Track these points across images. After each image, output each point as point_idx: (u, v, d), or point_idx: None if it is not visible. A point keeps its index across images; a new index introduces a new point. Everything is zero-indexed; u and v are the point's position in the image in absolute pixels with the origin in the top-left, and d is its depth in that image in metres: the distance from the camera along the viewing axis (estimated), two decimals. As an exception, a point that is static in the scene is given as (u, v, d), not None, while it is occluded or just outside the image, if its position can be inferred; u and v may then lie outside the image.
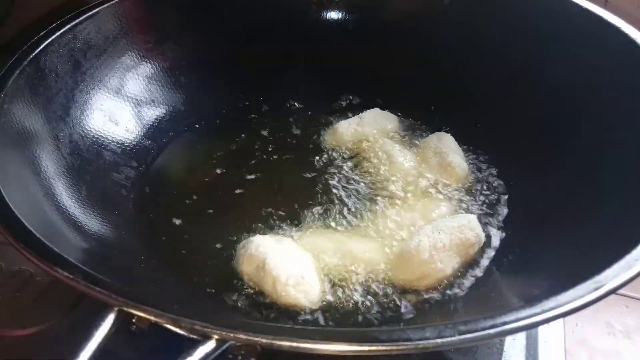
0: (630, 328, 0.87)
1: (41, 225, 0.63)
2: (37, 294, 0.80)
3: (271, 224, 0.83)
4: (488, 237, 0.81)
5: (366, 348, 0.46)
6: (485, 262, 0.77)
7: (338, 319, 0.70)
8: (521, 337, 0.78)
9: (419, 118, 1.04)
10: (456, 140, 0.96)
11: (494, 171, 0.92)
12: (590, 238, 0.67)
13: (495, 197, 0.88)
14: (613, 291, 0.50)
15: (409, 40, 1.07)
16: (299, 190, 0.89)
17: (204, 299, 0.73)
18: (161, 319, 0.49)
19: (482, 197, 0.88)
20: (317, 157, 0.96)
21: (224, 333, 0.47)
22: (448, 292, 0.73)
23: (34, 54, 0.81)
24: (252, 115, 1.07)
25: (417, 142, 0.99)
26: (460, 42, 1.03)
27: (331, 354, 0.46)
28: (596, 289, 0.50)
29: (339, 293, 0.73)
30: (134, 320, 0.50)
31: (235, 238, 0.81)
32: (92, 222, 0.77)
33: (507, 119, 0.94)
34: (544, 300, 0.49)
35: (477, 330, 0.46)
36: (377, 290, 0.74)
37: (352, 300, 0.72)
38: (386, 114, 1.03)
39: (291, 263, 0.73)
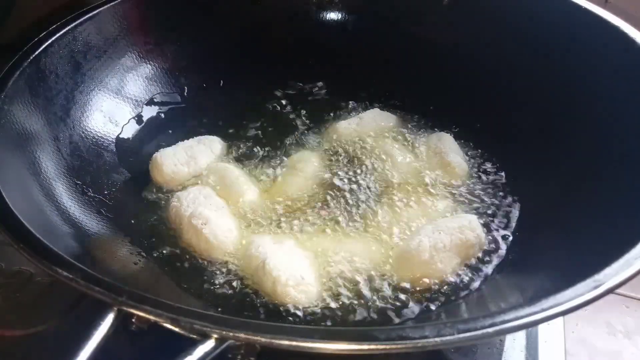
0: (630, 328, 0.87)
1: (41, 225, 0.63)
2: (37, 294, 0.80)
3: (271, 223, 0.83)
4: (488, 237, 0.81)
5: (365, 347, 0.46)
6: (485, 262, 0.77)
7: (337, 318, 0.70)
8: (521, 337, 0.78)
9: (419, 118, 1.04)
10: (456, 140, 0.97)
11: (493, 171, 0.92)
12: (590, 237, 0.67)
13: (495, 197, 0.88)
14: (612, 290, 0.50)
15: (408, 41, 1.08)
16: (298, 190, 0.89)
17: (203, 299, 0.73)
18: (161, 319, 0.49)
19: (482, 197, 0.88)
20: (317, 158, 0.96)
21: (223, 332, 0.47)
22: (448, 292, 0.73)
23: (34, 55, 0.82)
24: (252, 116, 1.06)
25: (417, 142, 0.99)
26: (460, 42, 1.03)
27: (330, 353, 0.46)
28: (595, 287, 0.50)
29: (339, 293, 0.73)
30: (133, 320, 0.50)
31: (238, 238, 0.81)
32: (92, 223, 0.77)
33: (506, 119, 0.94)
34: (543, 299, 0.49)
35: (476, 329, 0.47)
36: (377, 290, 0.74)
37: (351, 300, 0.72)
38: (386, 114, 1.04)
39: (291, 263, 0.73)
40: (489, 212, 0.85)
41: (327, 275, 0.75)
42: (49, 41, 0.85)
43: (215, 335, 0.47)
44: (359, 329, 0.53)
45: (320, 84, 1.12)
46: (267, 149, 0.98)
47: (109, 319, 0.50)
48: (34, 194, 0.72)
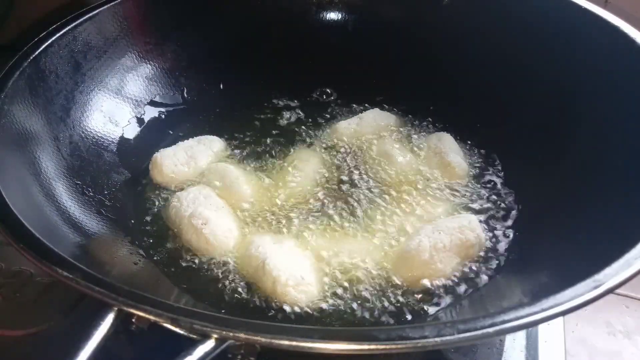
0: (630, 328, 0.87)
1: (41, 225, 0.63)
2: (37, 294, 0.80)
3: (271, 223, 0.83)
4: (488, 237, 0.81)
5: (365, 347, 0.46)
6: (485, 262, 0.77)
7: (337, 318, 0.70)
8: (521, 337, 0.78)
9: (419, 118, 1.04)
10: (456, 140, 0.97)
11: (493, 171, 0.92)
12: (590, 237, 0.67)
13: (495, 197, 0.88)
14: (612, 290, 0.50)
15: (408, 41, 1.08)
16: (298, 190, 0.89)
17: (203, 299, 0.73)
18: (160, 319, 0.49)
19: (482, 197, 0.88)
20: (317, 158, 0.96)
21: (223, 332, 0.47)
22: (448, 292, 0.73)
23: (34, 55, 0.82)
24: (252, 116, 1.07)
25: (417, 142, 0.99)
26: (460, 43, 1.03)
27: (330, 353, 0.46)
28: (595, 287, 0.50)
29: (339, 293, 0.73)
30: (133, 320, 0.50)
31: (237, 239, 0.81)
32: (91, 223, 0.77)
33: (506, 119, 0.94)
34: (542, 299, 0.49)
35: (476, 329, 0.47)
36: (376, 290, 0.74)
37: (351, 300, 0.72)
38: (386, 114, 1.04)
39: (291, 263, 0.73)
40: (489, 212, 0.85)
41: (327, 275, 0.75)
42: (49, 41, 0.85)
43: (215, 335, 0.47)
44: (359, 329, 0.53)
45: (320, 83, 1.11)
46: (267, 148, 0.98)
47: (109, 319, 0.50)
48: (34, 194, 0.72)
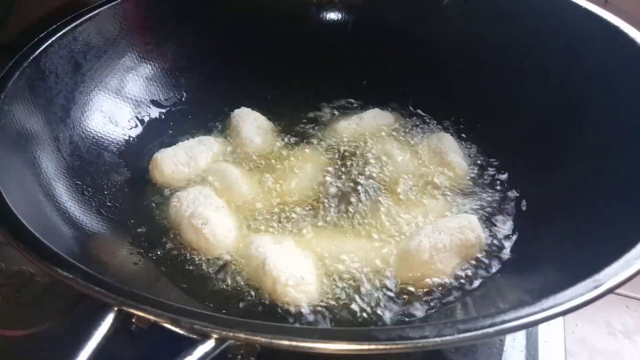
0: (630, 328, 0.87)
1: (41, 225, 0.63)
2: (37, 294, 0.80)
3: (271, 223, 0.83)
4: (488, 237, 0.81)
5: (365, 347, 0.46)
6: (485, 262, 0.77)
7: (338, 319, 0.70)
8: (521, 337, 0.78)
9: (419, 118, 1.04)
10: (456, 140, 0.97)
11: (493, 171, 0.92)
12: (590, 237, 0.67)
13: (495, 197, 0.88)
14: (612, 290, 0.50)
15: (408, 41, 1.08)
16: (298, 190, 0.89)
17: (203, 299, 0.73)
18: (160, 319, 0.49)
19: (482, 197, 0.88)
20: (317, 158, 0.96)
21: (223, 332, 0.47)
22: (448, 292, 0.73)
23: (34, 55, 0.82)
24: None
25: (417, 142, 0.99)
26: (460, 43, 1.03)
27: (330, 353, 0.46)
28: (595, 287, 0.50)
29: (339, 293, 0.73)
30: (133, 320, 0.50)
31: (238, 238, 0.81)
32: (91, 223, 0.77)
33: (507, 119, 0.94)
34: (542, 298, 0.49)
35: (476, 329, 0.47)
36: (376, 290, 0.74)
37: (351, 300, 0.72)
38: (386, 113, 1.04)
39: (291, 263, 0.73)
40: (489, 212, 0.85)
41: (327, 275, 0.75)
42: (49, 41, 0.85)
43: (215, 335, 0.47)
44: (359, 329, 0.53)
45: (320, 83, 1.11)
46: (267, 149, 0.98)
47: (109, 319, 0.50)
48: (34, 194, 0.72)
